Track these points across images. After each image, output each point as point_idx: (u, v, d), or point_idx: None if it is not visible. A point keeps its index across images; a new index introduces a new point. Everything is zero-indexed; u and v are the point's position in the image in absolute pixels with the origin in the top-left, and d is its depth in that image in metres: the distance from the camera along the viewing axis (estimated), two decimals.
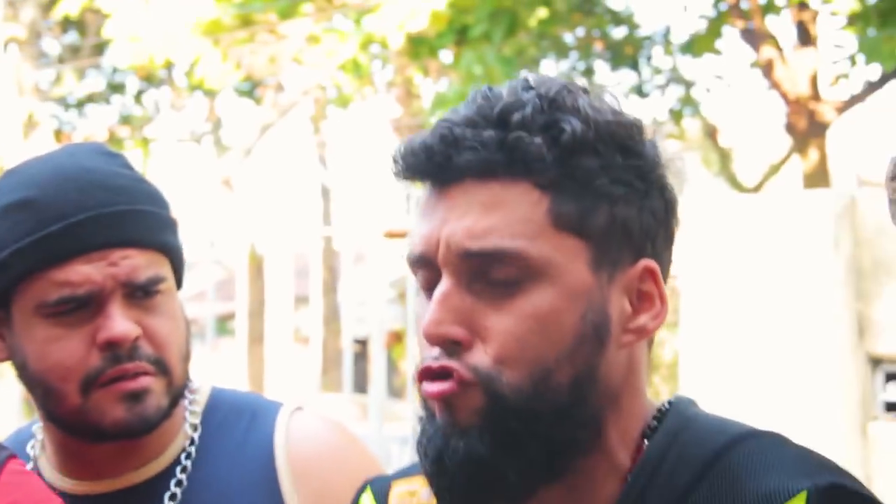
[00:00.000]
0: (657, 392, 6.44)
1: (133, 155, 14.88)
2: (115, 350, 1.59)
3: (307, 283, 6.51)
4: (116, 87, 15.18)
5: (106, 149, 1.69)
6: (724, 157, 14.38)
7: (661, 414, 1.22)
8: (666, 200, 1.21)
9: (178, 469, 1.67)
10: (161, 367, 1.61)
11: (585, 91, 1.20)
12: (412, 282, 1.23)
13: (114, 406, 1.59)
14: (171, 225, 1.67)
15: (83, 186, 1.61)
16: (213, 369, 7.10)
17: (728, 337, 4.46)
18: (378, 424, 6.07)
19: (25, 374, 1.63)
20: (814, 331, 4.35)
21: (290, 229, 6.80)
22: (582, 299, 1.16)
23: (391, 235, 6.18)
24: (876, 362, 4.35)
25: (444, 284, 1.17)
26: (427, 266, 1.19)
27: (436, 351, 1.17)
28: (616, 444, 1.19)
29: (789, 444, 1.18)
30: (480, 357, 1.15)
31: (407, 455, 6.20)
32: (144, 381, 1.60)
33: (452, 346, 1.16)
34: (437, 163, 1.17)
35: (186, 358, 1.65)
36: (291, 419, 1.70)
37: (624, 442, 1.19)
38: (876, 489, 4.28)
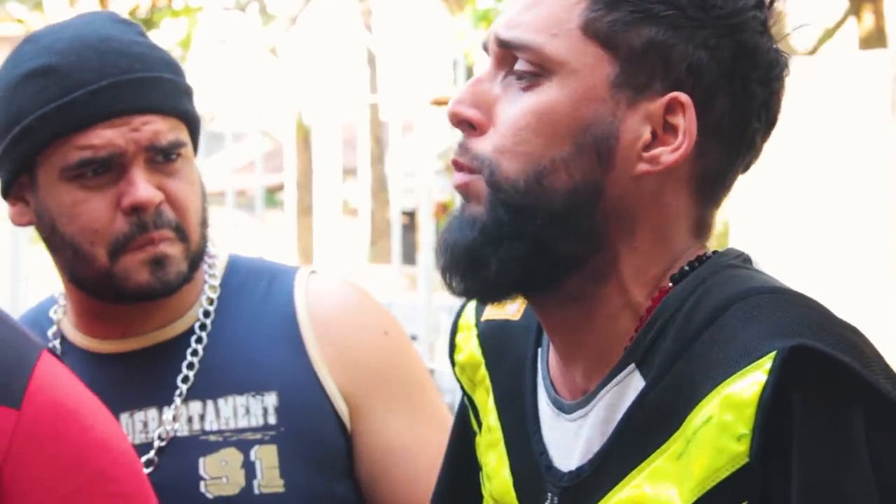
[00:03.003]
0: None
1: (178, 23, 14.79)
2: (141, 215, 1.65)
3: (355, 155, 6.49)
4: None
5: (120, 17, 1.75)
6: (777, 20, 14.12)
7: (700, 262, 1.20)
8: (737, 44, 1.20)
9: (199, 327, 1.73)
10: (181, 233, 1.67)
11: None
12: None
13: (139, 270, 1.65)
14: (188, 92, 1.72)
15: (103, 53, 1.67)
16: (261, 241, 7.13)
17: (780, 203, 4.41)
18: (427, 294, 6.09)
19: (54, 238, 1.69)
20: (870, 194, 4.29)
21: (337, 99, 6.75)
22: (588, 109, 1.17)
23: (438, 103, 6.12)
24: None
25: (483, 70, 1.22)
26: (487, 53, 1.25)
27: (460, 137, 1.22)
28: (630, 278, 1.19)
29: (796, 303, 1.15)
30: (485, 144, 1.19)
31: None
32: (166, 247, 1.66)
33: (469, 129, 1.20)
34: None
35: (204, 223, 1.71)
36: (310, 280, 1.77)
37: (641, 279, 1.19)
38: None
